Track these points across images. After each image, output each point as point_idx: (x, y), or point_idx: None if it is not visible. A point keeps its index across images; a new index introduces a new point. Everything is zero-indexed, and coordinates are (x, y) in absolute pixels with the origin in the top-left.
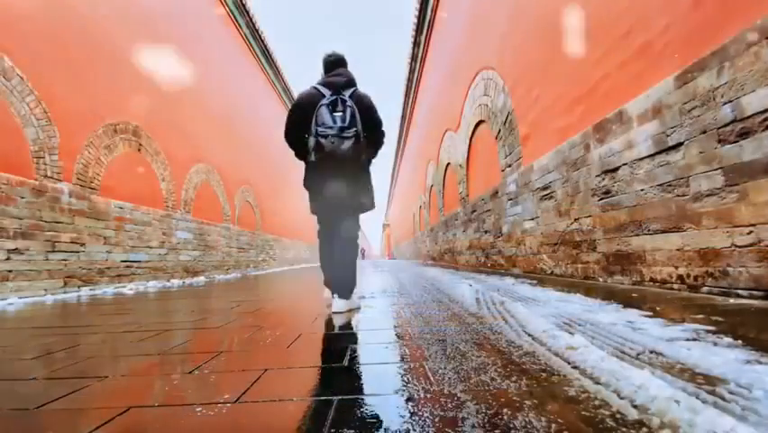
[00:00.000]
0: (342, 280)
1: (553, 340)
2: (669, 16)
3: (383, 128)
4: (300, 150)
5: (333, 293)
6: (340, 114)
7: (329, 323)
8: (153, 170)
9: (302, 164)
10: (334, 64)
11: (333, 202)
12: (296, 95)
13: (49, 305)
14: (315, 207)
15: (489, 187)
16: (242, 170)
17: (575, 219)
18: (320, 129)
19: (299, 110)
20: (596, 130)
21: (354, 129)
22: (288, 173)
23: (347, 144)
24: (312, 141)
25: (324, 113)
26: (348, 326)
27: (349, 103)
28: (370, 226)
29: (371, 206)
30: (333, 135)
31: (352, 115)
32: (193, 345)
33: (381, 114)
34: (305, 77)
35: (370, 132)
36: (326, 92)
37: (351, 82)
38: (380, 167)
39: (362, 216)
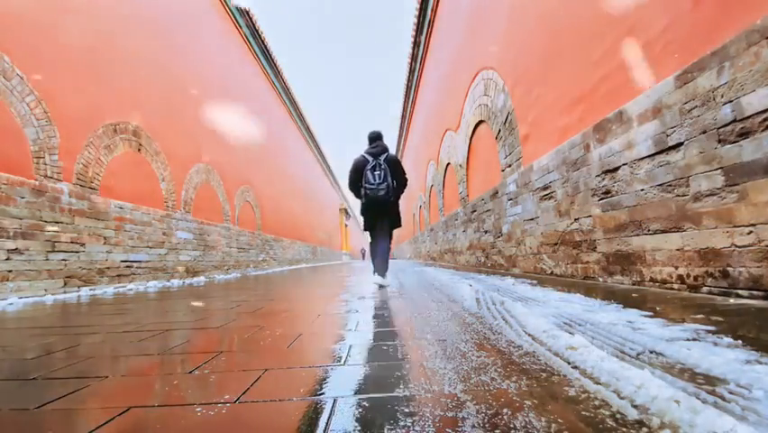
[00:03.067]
0: (380, 266)
1: (553, 340)
2: (669, 16)
3: (406, 176)
4: (357, 194)
5: (374, 273)
6: (377, 173)
7: (329, 323)
8: (153, 170)
9: (303, 165)
10: (374, 139)
11: (375, 224)
12: (295, 94)
13: (49, 305)
14: (366, 226)
15: (489, 187)
16: (242, 170)
17: (575, 219)
18: (366, 185)
19: (355, 172)
20: (596, 130)
21: (385, 183)
22: (288, 173)
23: (381, 192)
24: (362, 190)
25: (368, 174)
26: (348, 326)
27: (383, 166)
28: None
29: (399, 225)
30: (373, 187)
31: (385, 174)
32: (193, 345)
33: (381, 114)
34: (305, 77)
35: (398, 179)
36: (370, 159)
37: (384, 150)
38: None
39: (362, 220)
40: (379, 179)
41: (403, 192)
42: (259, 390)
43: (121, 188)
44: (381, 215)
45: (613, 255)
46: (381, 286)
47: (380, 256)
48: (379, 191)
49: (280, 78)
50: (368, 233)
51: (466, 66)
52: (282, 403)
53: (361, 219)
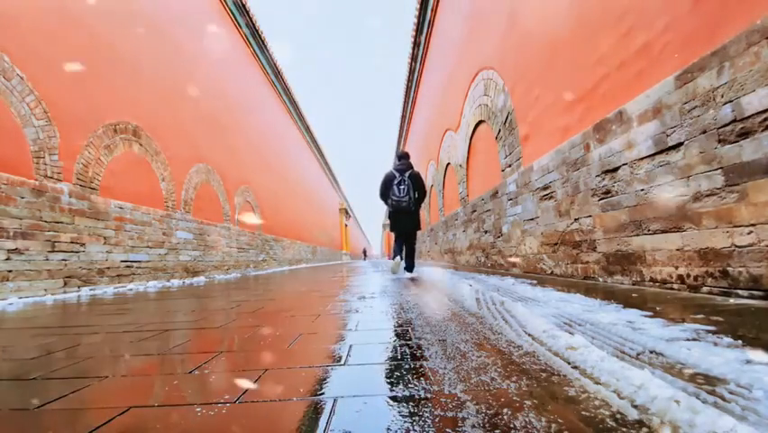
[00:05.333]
0: (409, 261)
1: (553, 340)
2: (669, 16)
3: (425, 189)
4: (386, 202)
5: (393, 257)
6: (402, 187)
7: (329, 323)
8: (153, 170)
9: (303, 165)
10: (401, 158)
11: (400, 228)
12: (296, 95)
13: (49, 305)
14: (392, 228)
15: (489, 187)
16: (242, 170)
17: (575, 219)
18: (392, 196)
19: (385, 185)
20: (596, 130)
21: (408, 195)
22: (288, 173)
23: (404, 204)
24: (389, 201)
25: (394, 188)
26: (348, 326)
27: (407, 181)
28: (371, 227)
29: (420, 228)
30: (398, 199)
31: (408, 188)
32: (193, 345)
33: (381, 117)
34: (306, 77)
35: (418, 192)
36: (397, 174)
37: (408, 167)
38: (380, 167)
39: (364, 219)
40: (403, 192)
41: (423, 201)
42: (259, 390)
43: (121, 188)
44: (405, 220)
45: (613, 255)
46: (412, 278)
47: (408, 256)
48: (402, 202)
49: (280, 78)
50: (398, 236)
51: (466, 66)
52: (282, 403)
53: (389, 222)
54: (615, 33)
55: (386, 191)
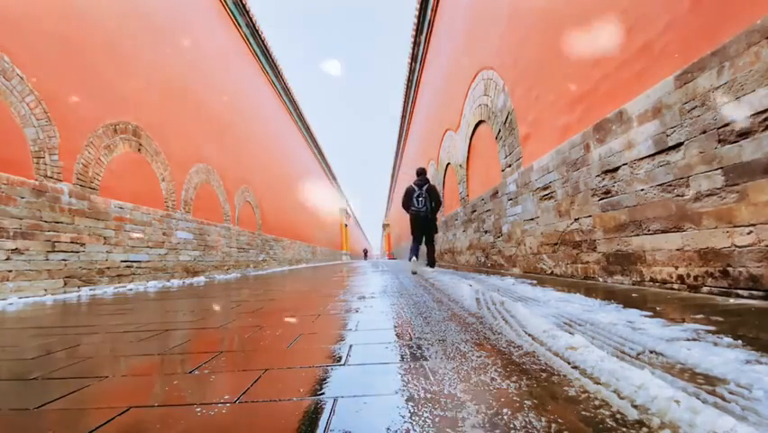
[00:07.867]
0: (430, 258)
1: (553, 340)
2: (669, 16)
3: (441, 199)
4: (407, 211)
5: (410, 259)
6: (420, 199)
7: (329, 323)
8: (153, 170)
9: (303, 165)
10: (420, 174)
11: (419, 231)
12: (296, 95)
13: (49, 305)
14: (412, 231)
15: (489, 187)
16: (242, 170)
17: (575, 219)
18: (412, 207)
19: (406, 197)
20: (596, 130)
21: (425, 206)
22: (288, 173)
23: (422, 212)
24: (410, 210)
25: (414, 200)
26: (348, 326)
27: (424, 194)
28: (371, 227)
29: (437, 231)
30: (417, 209)
31: (425, 200)
32: (193, 344)
33: (381, 117)
34: (305, 77)
35: (435, 202)
36: (416, 188)
37: (425, 181)
38: (380, 167)
39: (365, 219)
40: (421, 203)
41: (439, 209)
42: (259, 390)
43: (121, 188)
44: (423, 226)
45: (613, 255)
46: (414, 272)
47: (429, 255)
48: (420, 212)
49: (280, 78)
50: (415, 239)
51: (466, 66)
52: (282, 403)
53: (409, 227)
54: (615, 33)
55: (407, 202)
